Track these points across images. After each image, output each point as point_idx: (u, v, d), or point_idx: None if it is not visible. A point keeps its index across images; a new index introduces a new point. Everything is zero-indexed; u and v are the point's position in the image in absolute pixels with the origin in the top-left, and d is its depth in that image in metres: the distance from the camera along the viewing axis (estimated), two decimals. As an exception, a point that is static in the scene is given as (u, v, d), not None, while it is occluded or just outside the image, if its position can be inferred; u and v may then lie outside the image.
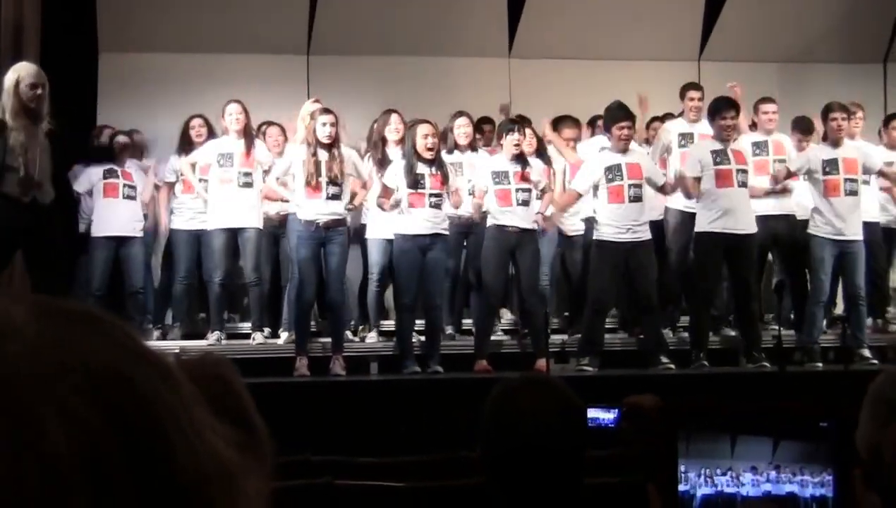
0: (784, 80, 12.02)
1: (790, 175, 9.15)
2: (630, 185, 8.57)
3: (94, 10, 11.19)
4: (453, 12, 11.68)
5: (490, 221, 8.67)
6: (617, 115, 8.69)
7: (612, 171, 8.58)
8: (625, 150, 8.63)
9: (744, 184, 8.71)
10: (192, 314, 9.76)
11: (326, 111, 8.42)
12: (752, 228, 8.72)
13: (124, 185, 9.24)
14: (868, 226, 9.19)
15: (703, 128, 9.28)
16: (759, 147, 9.35)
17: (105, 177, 9.22)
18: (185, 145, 9.41)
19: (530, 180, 8.65)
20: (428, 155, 8.40)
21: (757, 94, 9.84)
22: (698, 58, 12.24)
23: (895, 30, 12.37)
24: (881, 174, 9.19)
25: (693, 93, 9.66)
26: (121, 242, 9.19)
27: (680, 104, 9.87)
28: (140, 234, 9.35)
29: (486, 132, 9.99)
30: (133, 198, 9.27)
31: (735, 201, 8.64)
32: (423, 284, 8.51)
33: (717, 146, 8.75)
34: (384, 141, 8.96)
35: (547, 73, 11.82)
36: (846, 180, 8.92)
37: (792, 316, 9.51)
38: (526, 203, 8.64)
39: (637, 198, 8.59)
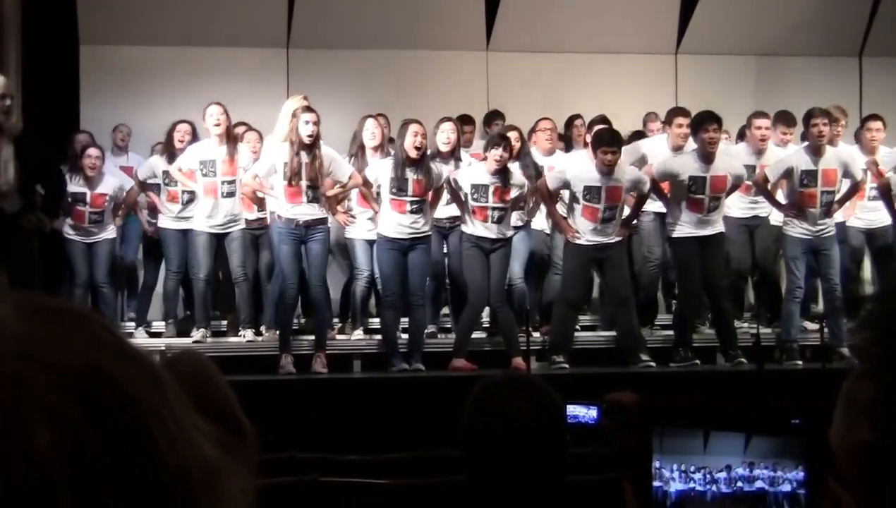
0: (761, 72, 12.08)
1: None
2: (605, 208, 8.49)
3: (74, 2, 11.14)
4: (431, 6, 11.69)
5: (464, 229, 8.61)
6: (603, 138, 8.55)
7: (591, 193, 8.48)
8: (608, 173, 8.49)
9: (714, 209, 8.65)
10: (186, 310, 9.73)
11: (309, 109, 8.27)
12: (720, 228, 8.72)
13: (91, 213, 9.22)
14: (838, 226, 9.11)
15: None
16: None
17: (74, 202, 9.13)
18: (168, 149, 9.27)
19: (508, 198, 8.57)
20: (414, 153, 8.36)
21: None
22: (675, 50, 12.27)
23: (870, 24, 12.41)
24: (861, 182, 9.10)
25: (681, 120, 9.13)
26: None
27: (663, 127, 9.66)
28: (110, 235, 9.35)
29: (466, 133, 9.91)
30: (100, 221, 9.25)
31: (704, 220, 8.63)
32: (406, 282, 8.50)
33: (698, 170, 8.60)
34: (363, 148, 8.93)
35: (525, 65, 11.83)
36: (823, 193, 8.80)
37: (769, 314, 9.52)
38: (501, 219, 8.58)
39: (610, 219, 8.53)
